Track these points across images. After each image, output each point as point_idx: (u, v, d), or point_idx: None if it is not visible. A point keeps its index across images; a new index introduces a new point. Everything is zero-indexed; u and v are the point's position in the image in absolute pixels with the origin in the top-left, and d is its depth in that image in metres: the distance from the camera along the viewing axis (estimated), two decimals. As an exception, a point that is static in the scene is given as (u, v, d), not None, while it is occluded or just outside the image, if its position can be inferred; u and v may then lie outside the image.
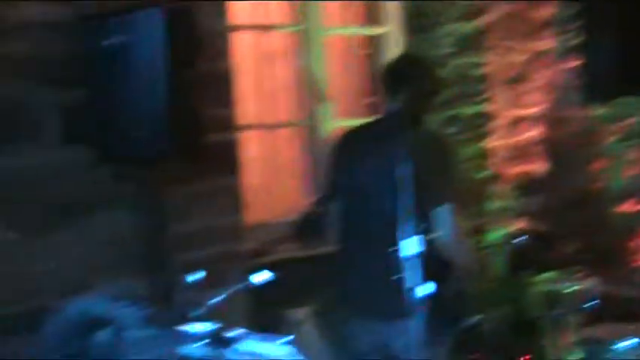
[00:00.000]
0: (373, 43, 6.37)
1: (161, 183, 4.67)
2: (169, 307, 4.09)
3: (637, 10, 6.06)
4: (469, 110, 6.19)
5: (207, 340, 3.02)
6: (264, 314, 4.87)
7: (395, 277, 3.40)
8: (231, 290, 3.33)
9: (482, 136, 6.24)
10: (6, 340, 4.18)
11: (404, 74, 4.20)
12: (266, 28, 5.87)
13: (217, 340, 3.04)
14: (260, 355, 2.98)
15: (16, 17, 4.34)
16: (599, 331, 4.78)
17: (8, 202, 4.33)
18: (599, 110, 6.15)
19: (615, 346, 4.48)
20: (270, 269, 3.44)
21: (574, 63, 6.32)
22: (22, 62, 4.37)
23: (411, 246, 3.31)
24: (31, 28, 4.38)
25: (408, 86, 4.07)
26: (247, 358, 3.01)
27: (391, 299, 3.54)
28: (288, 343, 2.95)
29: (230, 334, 3.06)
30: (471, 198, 6.09)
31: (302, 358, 2.96)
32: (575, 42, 6.31)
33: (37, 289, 4.34)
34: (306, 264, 5.35)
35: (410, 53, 5.45)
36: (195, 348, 2.99)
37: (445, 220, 3.64)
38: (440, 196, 3.58)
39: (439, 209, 3.68)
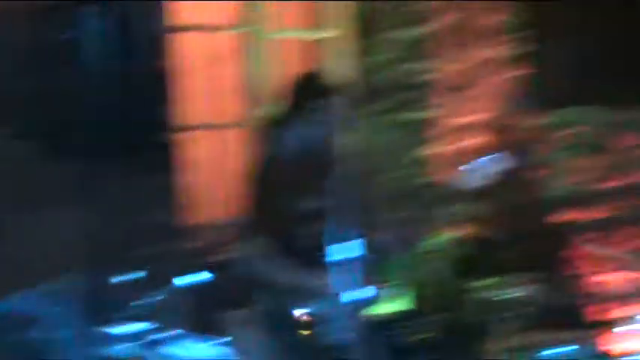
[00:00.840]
0: (322, 47, 6.38)
1: (101, 180, 4.66)
2: (102, 306, 4.07)
3: (586, 20, 6.14)
4: (413, 116, 6.23)
5: (136, 341, 3.02)
6: (206, 315, 4.86)
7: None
8: (162, 292, 3.33)
9: (425, 142, 6.27)
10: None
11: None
12: (211, 28, 5.87)
13: (147, 340, 3.04)
14: (194, 356, 2.98)
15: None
16: (532, 338, 4.83)
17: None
18: (545, 119, 6.20)
19: (544, 354, 4.53)
20: (214, 269, 3.44)
21: (522, 71, 6.40)
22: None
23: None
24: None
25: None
26: (177, 359, 3.01)
27: None
28: (225, 344, 2.95)
29: (163, 334, 3.05)
30: (410, 204, 6.12)
31: (239, 359, 2.96)
32: (524, 50, 6.38)
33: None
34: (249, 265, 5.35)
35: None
36: (121, 348, 2.98)
37: None
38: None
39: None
